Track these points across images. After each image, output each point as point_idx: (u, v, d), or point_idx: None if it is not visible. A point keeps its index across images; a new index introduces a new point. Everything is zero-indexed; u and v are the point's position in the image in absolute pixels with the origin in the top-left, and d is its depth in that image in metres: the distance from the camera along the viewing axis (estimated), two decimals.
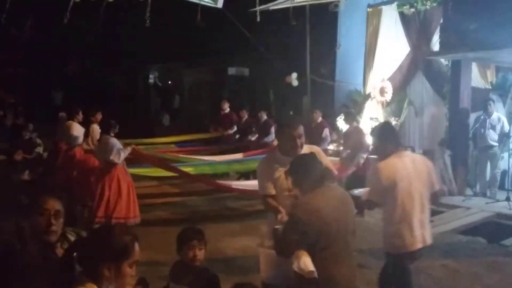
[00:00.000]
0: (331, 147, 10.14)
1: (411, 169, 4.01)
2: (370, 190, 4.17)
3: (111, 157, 6.71)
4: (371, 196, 4.11)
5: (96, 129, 7.74)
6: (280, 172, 3.53)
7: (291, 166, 3.25)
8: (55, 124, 10.14)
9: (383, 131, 4.28)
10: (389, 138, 4.15)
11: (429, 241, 4.12)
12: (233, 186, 8.50)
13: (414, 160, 4.15)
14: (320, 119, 10.04)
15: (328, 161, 3.86)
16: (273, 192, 3.59)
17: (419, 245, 4.02)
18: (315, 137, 9.53)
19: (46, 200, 2.73)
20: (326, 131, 9.89)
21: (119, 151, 6.73)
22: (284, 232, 3.06)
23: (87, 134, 7.86)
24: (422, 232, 4.04)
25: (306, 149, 3.67)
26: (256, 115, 11.94)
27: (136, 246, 2.17)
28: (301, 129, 3.61)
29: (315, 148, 3.86)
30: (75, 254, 2.15)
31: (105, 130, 7.09)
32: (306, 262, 2.89)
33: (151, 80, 22.37)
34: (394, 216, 3.98)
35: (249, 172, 9.33)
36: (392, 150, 4.06)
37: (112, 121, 7.12)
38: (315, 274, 2.89)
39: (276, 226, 3.22)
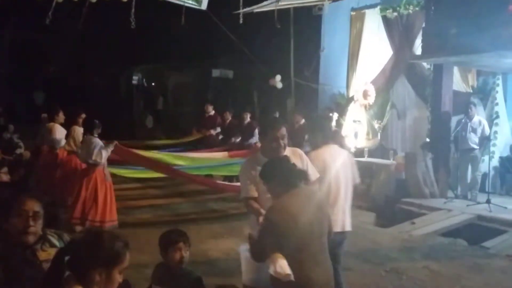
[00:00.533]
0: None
1: (338, 160, 4.39)
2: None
3: (94, 157, 6.65)
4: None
5: (78, 130, 7.65)
6: None
7: (263, 170, 3.25)
8: (37, 125, 10.02)
9: (316, 125, 4.85)
10: (320, 131, 4.62)
11: (348, 228, 4.47)
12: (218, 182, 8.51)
13: (341, 153, 4.56)
14: (302, 121, 10.03)
15: (311, 164, 3.90)
16: (255, 194, 3.59)
17: (338, 229, 4.22)
18: (297, 140, 9.52)
19: (24, 201, 2.70)
20: None
21: (101, 150, 6.67)
22: (259, 236, 3.04)
23: (68, 135, 7.79)
24: (343, 218, 4.40)
25: (288, 151, 3.69)
26: (239, 117, 11.92)
27: (127, 252, 2.17)
28: (283, 130, 3.63)
29: (297, 151, 3.89)
30: (67, 258, 2.11)
31: (88, 130, 7.00)
32: (282, 266, 2.87)
33: (134, 82, 22.22)
34: None
35: (233, 176, 9.30)
36: (323, 142, 4.48)
37: (95, 121, 7.05)
38: (292, 277, 2.87)
39: (250, 232, 3.24)
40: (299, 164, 3.75)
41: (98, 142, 6.74)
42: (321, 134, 4.61)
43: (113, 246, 2.11)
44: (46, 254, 2.87)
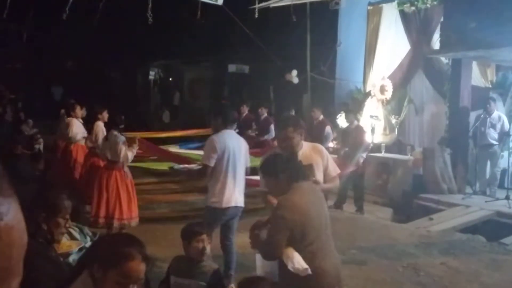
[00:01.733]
0: (331, 144, 10.12)
1: (236, 144, 4.99)
2: (205, 156, 5.01)
3: (121, 159, 6.55)
4: (206, 160, 4.93)
5: (100, 126, 7.63)
6: None
7: (262, 168, 3.28)
8: (55, 120, 10.11)
9: (217, 110, 5.44)
10: (222, 117, 5.08)
11: (241, 204, 5.07)
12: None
13: (239, 138, 5.22)
14: (321, 117, 9.96)
15: (331, 160, 3.95)
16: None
17: (233, 204, 4.96)
18: (316, 135, 9.49)
19: (65, 203, 2.74)
20: (328, 129, 9.81)
21: (127, 151, 6.57)
22: (271, 233, 3.04)
23: (90, 131, 7.81)
24: (238, 195, 5.01)
25: (308, 147, 3.80)
26: (256, 112, 11.90)
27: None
28: (289, 131, 3.73)
29: (318, 147, 3.96)
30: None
31: (112, 126, 6.87)
32: (299, 261, 2.92)
33: (151, 77, 22.34)
34: (219, 178, 4.89)
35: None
36: (223, 127, 5.03)
37: (119, 117, 6.94)
38: (310, 271, 2.91)
39: (256, 231, 3.24)
40: (318, 160, 3.81)
41: (122, 139, 6.62)
42: (221, 119, 5.10)
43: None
44: (67, 247, 2.92)
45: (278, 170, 3.14)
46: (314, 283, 2.98)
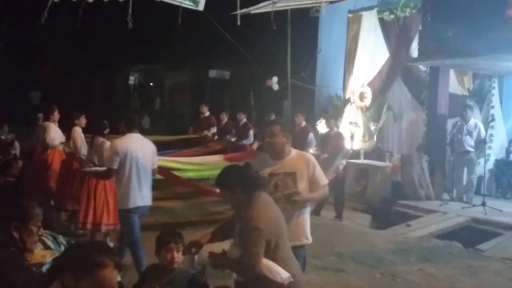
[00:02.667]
0: (311, 151, 10.09)
1: (139, 147, 5.25)
2: (107, 160, 5.32)
3: (108, 165, 6.48)
4: (109, 164, 5.19)
5: (78, 131, 7.53)
6: (264, 174, 3.58)
7: (217, 181, 3.17)
8: (32, 125, 9.96)
9: (122, 117, 5.92)
10: (125, 122, 5.52)
11: (148, 202, 5.34)
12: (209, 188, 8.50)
13: (144, 141, 5.46)
14: (304, 123, 9.89)
15: (319, 169, 3.87)
16: None
17: (149, 203, 5.35)
18: (299, 141, 9.45)
19: (36, 210, 2.69)
20: (311, 135, 9.77)
21: (113, 157, 6.49)
22: (246, 247, 2.97)
23: (68, 137, 7.69)
24: (148, 194, 5.31)
25: (295, 154, 3.79)
26: (235, 118, 11.88)
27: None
28: (275, 128, 3.74)
29: (305, 155, 3.90)
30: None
31: (98, 132, 6.75)
32: (281, 270, 2.94)
33: (131, 82, 22.19)
34: (123, 180, 5.14)
35: None
36: (126, 131, 5.40)
37: (105, 122, 6.85)
38: (292, 278, 2.95)
39: (223, 250, 3.18)
40: (303, 168, 3.76)
41: (108, 145, 6.55)
42: (124, 123, 5.54)
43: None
44: (40, 257, 2.86)
45: (233, 183, 3.07)
46: None
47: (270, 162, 3.74)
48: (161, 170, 8.41)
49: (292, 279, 2.96)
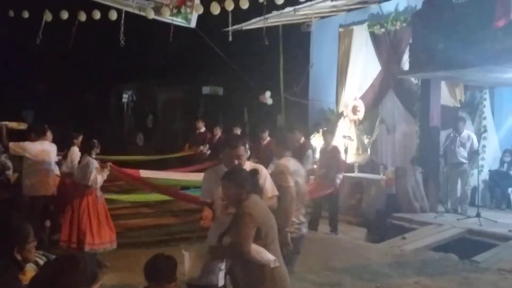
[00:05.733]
0: (309, 167, 9.95)
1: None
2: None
3: (90, 182, 6.48)
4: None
5: (75, 151, 7.50)
6: (219, 183, 3.79)
7: (231, 177, 3.51)
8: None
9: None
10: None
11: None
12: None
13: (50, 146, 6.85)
14: (302, 139, 9.84)
15: (270, 181, 4.15)
16: (208, 200, 3.97)
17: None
18: (298, 158, 9.43)
19: (28, 227, 2.77)
20: (309, 152, 9.77)
21: (97, 175, 6.51)
22: (238, 230, 3.29)
23: (65, 157, 7.65)
24: None
25: (248, 166, 4.01)
26: (230, 132, 11.88)
27: (101, 272, 2.33)
28: (240, 150, 3.95)
29: (257, 167, 4.13)
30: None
31: (86, 151, 6.72)
32: (266, 253, 3.28)
33: (124, 99, 22.18)
34: None
35: None
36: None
37: (94, 141, 6.80)
38: (278, 263, 3.31)
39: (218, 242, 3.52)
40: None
41: (94, 164, 6.56)
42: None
43: (89, 268, 2.29)
44: None
45: (241, 181, 3.45)
46: (279, 281, 3.32)
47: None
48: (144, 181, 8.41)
49: (277, 264, 3.29)
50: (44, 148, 7.25)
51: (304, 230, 4.69)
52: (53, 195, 7.42)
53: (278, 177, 4.36)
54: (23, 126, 7.64)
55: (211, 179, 3.98)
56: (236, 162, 3.90)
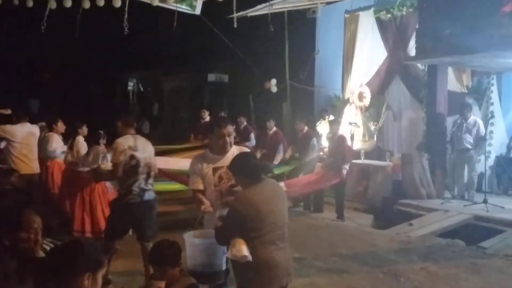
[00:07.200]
0: (317, 155, 9.94)
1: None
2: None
3: (99, 163, 6.59)
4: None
5: (81, 141, 7.53)
6: (208, 169, 3.90)
7: (232, 164, 3.53)
8: None
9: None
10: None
11: None
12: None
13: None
14: (306, 128, 9.85)
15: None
16: (201, 187, 3.93)
17: None
18: (302, 147, 9.48)
19: (32, 218, 2.79)
20: (314, 141, 9.77)
21: (106, 155, 6.60)
22: (225, 221, 3.32)
23: (71, 147, 7.69)
24: None
25: (236, 149, 3.99)
26: (235, 121, 11.86)
27: (106, 258, 2.34)
28: (229, 128, 3.94)
29: (244, 149, 4.21)
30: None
31: (94, 141, 6.95)
32: (239, 249, 3.16)
33: (130, 87, 22.21)
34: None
35: None
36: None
37: (101, 132, 7.01)
38: (249, 258, 3.15)
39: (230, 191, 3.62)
40: None
41: (104, 150, 6.70)
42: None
43: (95, 253, 2.24)
44: None
45: (241, 168, 3.42)
46: (266, 271, 3.24)
47: (214, 158, 3.93)
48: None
49: (249, 259, 3.15)
50: (25, 130, 7.89)
51: (147, 196, 5.28)
52: (39, 174, 7.99)
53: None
54: (7, 112, 8.48)
55: (199, 165, 3.96)
56: (227, 140, 3.87)
